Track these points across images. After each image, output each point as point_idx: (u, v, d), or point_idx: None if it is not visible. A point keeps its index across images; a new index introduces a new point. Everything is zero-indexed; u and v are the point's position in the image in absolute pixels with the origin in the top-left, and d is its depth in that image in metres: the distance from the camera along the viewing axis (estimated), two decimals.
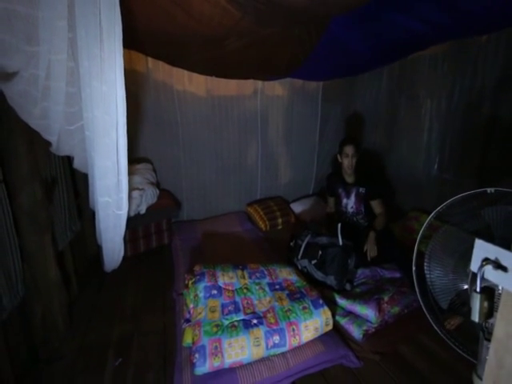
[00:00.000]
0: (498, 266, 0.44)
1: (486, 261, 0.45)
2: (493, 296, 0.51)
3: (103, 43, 0.90)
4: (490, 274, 0.45)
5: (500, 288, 0.45)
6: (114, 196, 1.28)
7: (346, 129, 3.60)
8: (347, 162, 2.32)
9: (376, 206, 2.33)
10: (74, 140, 1.30)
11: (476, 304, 0.52)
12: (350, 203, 2.47)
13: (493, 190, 1.04)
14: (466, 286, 1.07)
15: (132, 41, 1.75)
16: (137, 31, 1.50)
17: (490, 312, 0.52)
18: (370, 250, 2.10)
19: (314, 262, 2.04)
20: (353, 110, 3.54)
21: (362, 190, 2.38)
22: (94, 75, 0.95)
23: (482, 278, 0.46)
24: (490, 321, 0.49)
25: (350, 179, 2.44)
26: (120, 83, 0.97)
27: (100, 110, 1.01)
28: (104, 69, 0.94)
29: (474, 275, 0.48)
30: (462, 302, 1.12)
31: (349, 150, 2.30)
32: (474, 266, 0.47)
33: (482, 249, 0.47)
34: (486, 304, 0.51)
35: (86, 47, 0.91)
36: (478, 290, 0.50)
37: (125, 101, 1.01)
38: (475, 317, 0.52)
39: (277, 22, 1.55)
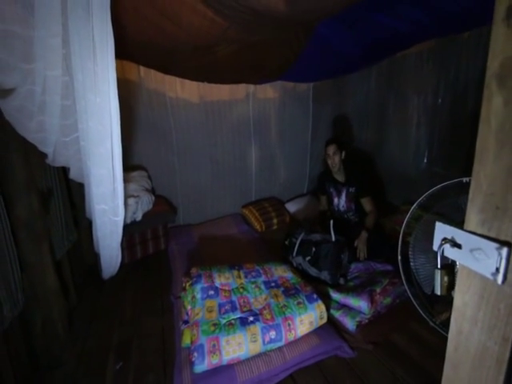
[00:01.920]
0: (454, 244, 0.51)
1: (445, 240, 0.52)
2: (453, 271, 0.58)
3: (96, 57, 0.95)
4: (449, 251, 0.52)
5: (457, 263, 0.51)
6: (110, 203, 1.32)
7: (337, 128, 3.68)
8: (330, 162, 2.45)
9: (366, 203, 2.41)
10: (69, 151, 1.34)
11: (438, 279, 0.59)
12: (341, 202, 2.54)
13: (468, 179, 1.11)
14: None
15: (124, 52, 1.80)
16: (128, 43, 1.56)
17: (450, 286, 0.58)
18: (361, 250, 2.19)
19: (308, 258, 2.10)
20: (343, 109, 3.62)
21: (351, 189, 2.47)
22: (88, 88, 1.00)
23: (442, 256, 0.52)
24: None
25: (340, 178, 2.52)
26: (113, 94, 1.02)
27: (94, 120, 1.06)
28: (98, 81, 0.99)
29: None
30: None
31: (329, 149, 2.42)
32: (435, 245, 0.53)
33: (441, 230, 0.53)
34: (446, 279, 0.58)
35: (80, 62, 0.97)
36: (438, 266, 0.57)
37: (118, 111, 1.06)
38: (437, 290, 0.59)
39: (263, 29, 1.62)
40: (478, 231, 0.48)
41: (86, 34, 0.93)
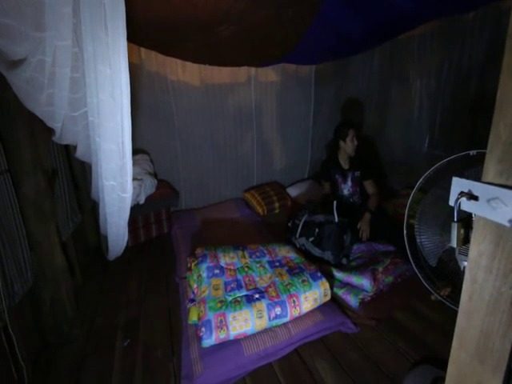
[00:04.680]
0: (471, 196, 0.52)
1: (461, 194, 0.54)
2: (468, 225, 0.60)
3: (107, 26, 0.95)
4: (465, 204, 0.53)
5: (474, 215, 0.53)
6: (119, 179, 1.32)
7: (339, 111, 3.64)
8: (352, 146, 2.40)
9: (369, 185, 2.43)
10: (77, 126, 1.34)
11: (454, 232, 0.61)
12: (346, 187, 2.56)
13: (475, 152, 1.12)
14: None
15: (127, 30, 1.78)
16: (131, 18, 1.53)
17: (466, 238, 0.61)
18: (364, 231, 2.21)
19: (311, 239, 2.13)
20: (345, 92, 3.56)
21: (357, 173, 2.48)
22: (99, 59, 0.99)
23: (459, 210, 0.54)
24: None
25: (345, 164, 2.52)
26: (124, 66, 1.02)
27: (105, 93, 1.06)
28: (109, 52, 0.98)
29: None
30: (449, 259, 1.22)
31: (351, 132, 2.39)
32: (452, 200, 0.55)
33: (457, 184, 0.54)
34: (462, 231, 0.60)
35: (91, 32, 0.96)
36: (455, 219, 0.59)
37: (129, 83, 1.06)
38: (453, 243, 0.61)
39: (269, 2, 1.59)
40: (496, 182, 0.49)
41: (96, 2, 0.92)
